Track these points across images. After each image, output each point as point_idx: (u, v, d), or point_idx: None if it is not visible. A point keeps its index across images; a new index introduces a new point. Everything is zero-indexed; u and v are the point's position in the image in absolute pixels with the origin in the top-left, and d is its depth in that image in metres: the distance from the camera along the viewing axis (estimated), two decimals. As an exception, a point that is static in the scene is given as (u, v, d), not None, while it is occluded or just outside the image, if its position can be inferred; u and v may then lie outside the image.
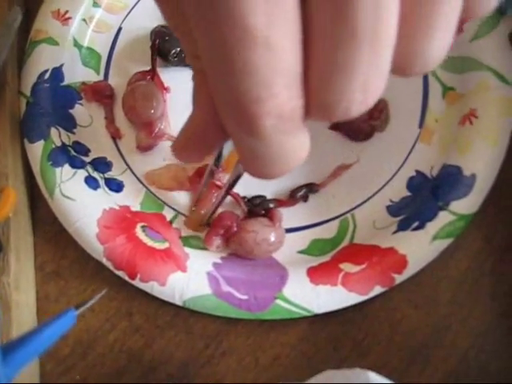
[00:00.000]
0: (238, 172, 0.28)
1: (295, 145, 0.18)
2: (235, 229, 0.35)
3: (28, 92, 0.37)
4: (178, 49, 0.38)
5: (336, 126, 0.38)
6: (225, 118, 0.18)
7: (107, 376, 0.35)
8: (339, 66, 0.16)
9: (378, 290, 0.34)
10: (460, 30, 0.38)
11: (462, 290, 0.35)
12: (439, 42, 0.17)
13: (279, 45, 0.15)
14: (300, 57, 0.16)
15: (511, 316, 0.35)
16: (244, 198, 0.36)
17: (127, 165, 0.38)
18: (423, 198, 0.36)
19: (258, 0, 0.14)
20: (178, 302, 0.34)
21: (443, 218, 0.34)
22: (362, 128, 0.37)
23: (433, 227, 0.34)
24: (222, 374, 0.34)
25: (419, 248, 0.34)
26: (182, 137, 0.25)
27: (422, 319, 0.35)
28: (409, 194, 0.37)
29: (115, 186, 0.37)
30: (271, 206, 0.36)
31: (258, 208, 0.36)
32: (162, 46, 0.38)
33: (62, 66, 0.38)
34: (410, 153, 0.37)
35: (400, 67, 0.18)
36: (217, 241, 0.35)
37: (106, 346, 0.35)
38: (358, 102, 0.17)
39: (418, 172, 0.37)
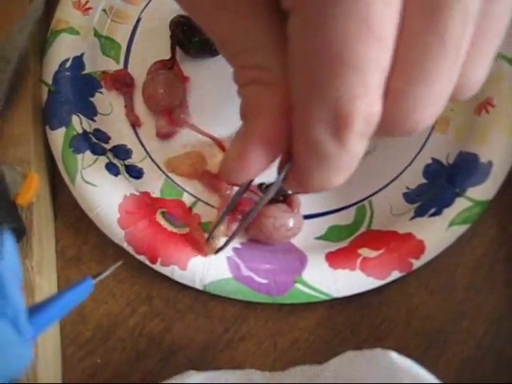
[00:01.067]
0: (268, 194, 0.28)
1: (360, 153, 0.19)
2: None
3: (50, 80, 0.38)
4: (197, 39, 0.39)
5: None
6: (310, 125, 0.18)
7: (128, 360, 0.35)
8: (425, 72, 0.16)
9: (395, 274, 0.34)
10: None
11: (478, 276, 0.36)
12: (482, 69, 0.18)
13: (388, 40, 0.16)
14: (388, 63, 0.17)
15: (527, 302, 0.35)
16: (263, 184, 0.37)
17: (147, 152, 0.38)
18: (439, 184, 0.36)
19: None
20: (199, 286, 0.34)
21: (460, 204, 0.35)
22: (379, 117, 0.38)
23: (450, 213, 0.35)
24: (241, 358, 0.35)
25: (436, 234, 0.34)
26: (234, 156, 0.22)
27: (439, 305, 0.35)
28: (425, 181, 0.37)
29: (135, 173, 0.37)
30: (290, 192, 0.36)
31: (277, 194, 0.36)
32: (182, 36, 0.39)
33: (82, 55, 0.39)
34: (426, 141, 0.38)
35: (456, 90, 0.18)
36: (235, 226, 0.35)
37: (127, 330, 0.36)
38: (427, 115, 0.17)
39: (434, 159, 0.37)
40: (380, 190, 0.37)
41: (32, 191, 0.34)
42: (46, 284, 0.35)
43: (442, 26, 0.16)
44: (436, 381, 0.26)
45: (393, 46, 0.16)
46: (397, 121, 0.18)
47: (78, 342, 0.36)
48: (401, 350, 0.31)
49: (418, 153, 0.38)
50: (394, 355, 0.27)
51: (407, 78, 0.17)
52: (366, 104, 0.17)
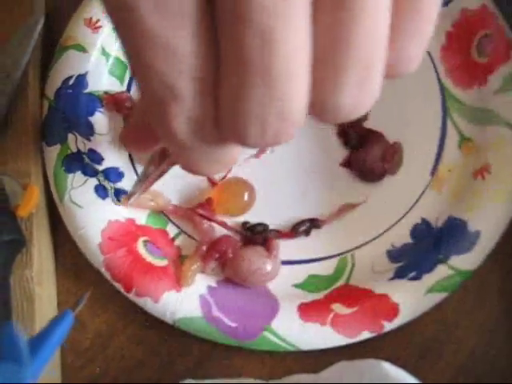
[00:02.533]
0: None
1: (216, 151, 0.19)
2: (231, 255, 0.35)
3: (52, 96, 0.38)
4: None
5: (348, 164, 0.38)
6: (148, 116, 0.19)
7: (126, 368, 0.36)
8: (235, 91, 0.16)
9: (365, 335, 0.34)
10: (484, 81, 0.38)
11: (471, 286, 0.36)
12: (352, 93, 0.16)
13: (180, 48, 0.16)
14: (208, 65, 0.16)
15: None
16: (246, 223, 0.37)
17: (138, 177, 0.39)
18: (424, 247, 0.36)
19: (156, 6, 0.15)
20: (169, 321, 0.34)
21: (441, 272, 0.34)
22: (374, 169, 0.37)
23: (429, 279, 0.34)
24: (237, 366, 0.35)
25: (413, 299, 0.34)
26: (126, 128, 0.29)
27: (432, 314, 0.35)
28: (411, 241, 0.36)
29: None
30: (271, 235, 0.36)
31: (257, 236, 0.36)
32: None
33: (86, 73, 0.39)
34: (418, 199, 0.37)
35: (312, 112, 0.17)
36: (212, 264, 0.35)
37: (125, 339, 0.36)
38: (253, 135, 0.17)
39: (423, 220, 0.37)
40: (365, 243, 0.37)
41: (32, 203, 0.35)
42: (46, 294, 0.36)
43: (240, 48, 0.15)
44: None
45: (196, 51, 0.16)
46: (231, 135, 0.18)
47: (77, 351, 0.36)
48: (394, 361, 0.31)
49: (409, 210, 0.37)
50: (387, 365, 0.28)
51: (226, 97, 0.17)
52: (183, 108, 0.17)
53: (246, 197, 0.37)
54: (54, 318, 0.28)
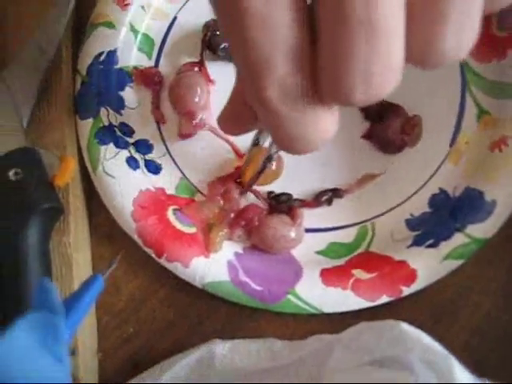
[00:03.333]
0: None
1: (312, 122, 0.19)
2: (257, 223, 0.37)
3: (84, 71, 0.40)
4: (227, 44, 0.40)
5: (369, 136, 0.39)
6: (245, 93, 0.20)
7: (158, 329, 0.38)
8: (337, 51, 0.17)
9: (384, 299, 0.35)
10: (503, 55, 0.39)
11: (487, 252, 0.37)
12: (454, 37, 0.17)
13: (275, 22, 0.17)
14: (301, 36, 0.17)
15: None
16: (271, 193, 0.38)
17: (167, 149, 0.40)
18: (442, 216, 0.37)
19: None
20: (198, 285, 0.36)
21: (457, 240, 0.36)
22: (394, 141, 0.39)
23: (446, 247, 0.35)
24: (262, 328, 0.37)
25: (430, 265, 0.35)
26: (224, 111, 0.28)
27: (448, 278, 0.36)
28: (429, 210, 0.38)
29: (153, 168, 0.40)
30: (295, 204, 0.38)
31: (282, 205, 0.38)
32: (212, 40, 0.40)
33: (116, 49, 0.41)
34: (436, 170, 0.39)
35: (415, 60, 0.18)
36: (238, 231, 0.37)
37: (156, 301, 0.39)
38: (358, 91, 0.18)
39: (441, 190, 0.38)
40: (385, 213, 0.38)
41: (69, 173, 0.37)
42: (82, 259, 0.38)
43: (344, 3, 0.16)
44: (444, 351, 0.28)
45: (291, 23, 0.17)
46: (331, 96, 0.19)
47: (112, 312, 0.39)
48: (411, 323, 0.33)
49: (427, 181, 0.38)
50: (405, 326, 0.30)
51: (326, 59, 0.18)
52: (276, 78, 0.18)
53: (273, 166, 0.38)
54: (84, 281, 0.29)
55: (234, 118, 0.27)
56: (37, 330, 0.21)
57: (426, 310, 0.37)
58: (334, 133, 0.21)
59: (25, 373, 0.19)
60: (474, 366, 0.29)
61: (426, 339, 0.29)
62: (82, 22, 0.42)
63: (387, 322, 0.31)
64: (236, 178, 0.39)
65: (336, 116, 0.21)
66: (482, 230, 0.36)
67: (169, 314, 0.38)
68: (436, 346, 0.29)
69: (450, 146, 0.39)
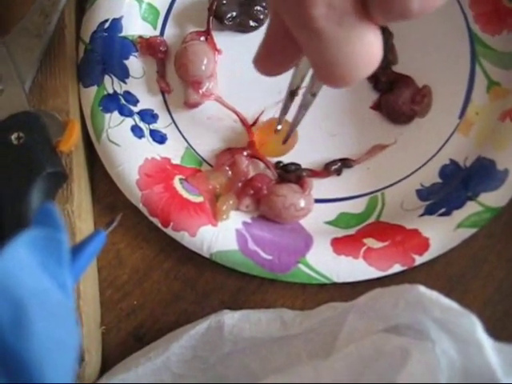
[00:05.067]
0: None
1: (357, 42, 0.19)
2: (265, 191, 0.36)
3: (87, 39, 0.39)
4: (234, 13, 0.40)
5: (378, 107, 0.39)
6: (288, 18, 0.19)
7: (163, 301, 0.37)
8: None
9: (397, 268, 0.35)
10: (513, 26, 0.38)
11: (498, 223, 0.37)
12: None
13: None
14: None
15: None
16: (279, 162, 0.38)
17: (172, 119, 0.39)
18: (453, 186, 0.36)
19: None
20: (206, 254, 0.35)
21: (470, 208, 0.35)
22: (404, 111, 0.38)
23: (459, 215, 0.35)
24: (271, 300, 0.37)
25: (443, 233, 0.35)
26: (261, 50, 0.27)
27: (461, 250, 0.36)
28: (440, 181, 0.37)
29: (159, 138, 0.39)
30: (304, 174, 0.37)
31: (291, 175, 0.37)
32: (219, 9, 0.40)
33: (121, 17, 0.40)
34: (446, 141, 0.38)
35: None
36: (246, 200, 0.36)
37: (161, 273, 0.37)
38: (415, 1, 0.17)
39: (451, 161, 0.38)
40: (395, 183, 0.38)
41: (74, 138, 0.36)
42: (85, 227, 0.37)
43: None
44: (465, 310, 0.27)
45: None
46: (383, 8, 0.18)
47: (115, 285, 0.38)
48: None
49: (437, 152, 0.38)
50: (422, 289, 0.29)
51: None
52: None
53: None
54: (87, 236, 0.28)
55: (273, 55, 0.26)
56: (38, 248, 0.20)
57: (438, 281, 0.36)
58: (379, 59, 0.20)
59: (27, 293, 0.17)
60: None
61: (445, 300, 0.28)
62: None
63: (403, 286, 0.30)
64: (246, 151, 0.38)
65: (380, 39, 0.20)
66: (495, 198, 0.35)
67: (174, 286, 0.37)
68: (455, 305, 0.28)
69: (460, 117, 0.39)
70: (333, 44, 0.19)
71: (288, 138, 0.37)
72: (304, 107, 0.34)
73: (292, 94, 0.34)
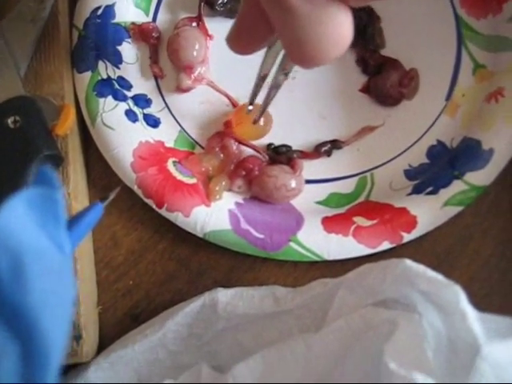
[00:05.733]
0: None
1: (329, 22, 0.19)
2: (257, 172, 0.37)
3: (81, 25, 0.40)
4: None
5: (367, 90, 0.40)
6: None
7: (158, 281, 0.38)
8: None
9: (386, 245, 0.36)
10: (499, 9, 0.39)
11: (484, 202, 0.38)
12: None
13: None
14: None
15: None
16: (270, 144, 0.39)
17: (165, 103, 0.40)
18: (440, 166, 0.37)
19: None
20: (199, 234, 0.36)
21: (456, 187, 0.36)
22: (392, 94, 0.39)
23: (445, 194, 0.36)
24: (263, 278, 0.38)
25: (430, 211, 0.36)
26: (234, 29, 0.27)
27: (448, 228, 0.37)
28: (427, 161, 0.38)
29: (152, 122, 0.39)
30: (295, 156, 0.38)
31: (282, 156, 0.38)
32: (210, -5, 0.40)
33: (114, 4, 0.40)
34: (433, 123, 0.39)
35: None
36: (239, 181, 0.37)
37: (156, 254, 0.38)
38: None
39: (438, 142, 0.39)
40: (383, 164, 0.39)
41: (69, 121, 0.36)
42: (81, 208, 0.37)
43: None
44: (449, 281, 0.28)
45: None
46: None
47: (111, 266, 0.39)
48: None
49: (425, 133, 0.39)
50: (409, 262, 0.30)
51: None
52: None
53: (261, 122, 0.38)
54: (85, 207, 0.29)
55: (246, 33, 0.27)
56: (36, 206, 0.20)
57: (426, 258, 0.37)
58: (349, 41, 0.21)
59: (25, 248, 0.18)
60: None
61: (430, 272, 0.29)
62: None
63: (391, 261, 0.31)
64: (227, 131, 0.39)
65: (351, 21, 0.21)
66: (481, 177, 0.36)
67: (169, 266, 0.38)
68: (440, 277, 0.29)
69: (447, 99, 0.39)
70: (305, 23, 0.19)
71: (259, 118, 0.37)
72: (275, 87, 0.34)
73: (263, 77, 0.35)
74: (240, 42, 0.28)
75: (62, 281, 0.19)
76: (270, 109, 0.37)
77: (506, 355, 0.26)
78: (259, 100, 0.36)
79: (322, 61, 0.21)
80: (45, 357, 0.18)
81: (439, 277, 0.29)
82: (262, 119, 0.38)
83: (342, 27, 0.20)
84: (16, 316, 0.17)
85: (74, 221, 0.26)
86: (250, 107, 0.37)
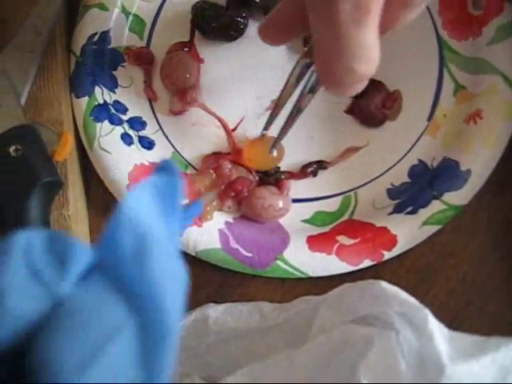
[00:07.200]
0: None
1: (367, 40, 0.21)
2: (246, 193, 0.39)
3: (78, 51, 0.42)
4: (216, 25, 0.42)
5: (352, 111, 0.41)
6: (310, 1, 0.21)
7: None
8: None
9: (367, 263, 0.38)
10: (478, 32, 0.41)
11: (463, 219, 0.40)
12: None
13: None
14: None
15: (504, 244, 0.40)
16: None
17: (160, 126, 0.42)
18: (421, 185, 0.39)
19: None
20: (192, 253, 0.39)
21: (435, 206, 0.38)
22: (376, 115, 0.41)
23: (424, 213, 0.38)
24: (253, 293, 0.40)
25: (409, 230, 0.38)
26: (268, 21, 0.29)
27: (427, 245, 0.39)
28: (409, 180, 0.40)
29: (147, 144, 0.41)
30: (283, 177, 0.40)
31: (270, 178, 0.40)
32: (201, 20, 0.42)
33: (109, 30, 0.42)
34: (415, 143, 0.41)
35: None
36: (228, 202, 0.39)
37: None
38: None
39: (420, 161, 0.40)
40: (367, 183, 0.41)
41: (67, 148, 0.38)
42: (81, 231, 0.40)
43: None
44: (419, 304, 0.31)
45: None
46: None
47: None
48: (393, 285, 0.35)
49: (407, 153, 0.41)
50: (384, 284, 0.33)
51: None
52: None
53: (275, 153, 0.39)
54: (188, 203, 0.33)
55: (280, 25, 0.28)
56: (157, 194, 0.21)
57: (407, 274, 0.39)
58: (375, 66, 0.23)
59: (148, 229, 0.19)
60: (450, 323, 0.32)
61: (403, 295, 0.32)
62: (75, 4, 0.44)
63: (368, 282, 0.34)
64: (230, 156, 0.41)
65: (378, 49, 0.22)
66: (458, 197, 0.38)
67: (163, 282, 0.40)
68: (412, 300, 0.31)
69: (428, 119, 0.41)
70: (343, 38, 0.20)
71: (275, 146, 0.38)
72: (298, 111, 0.35)
73: (281, 105, 0.36)
74: (270, 32, 0.29)
75: (177, 266, 0.20)
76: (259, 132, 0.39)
77: (469, 374, 0.29)
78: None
79: (346, 87, 0.22)
80: (163, 334, 0.18)
81: (411, 299, 0.31)
82: (275, 151, 0.39)
83: (372, 51, 0.22)
84: (136, 294, 0.18)
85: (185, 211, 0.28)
86: (265, 132, 0.38)
